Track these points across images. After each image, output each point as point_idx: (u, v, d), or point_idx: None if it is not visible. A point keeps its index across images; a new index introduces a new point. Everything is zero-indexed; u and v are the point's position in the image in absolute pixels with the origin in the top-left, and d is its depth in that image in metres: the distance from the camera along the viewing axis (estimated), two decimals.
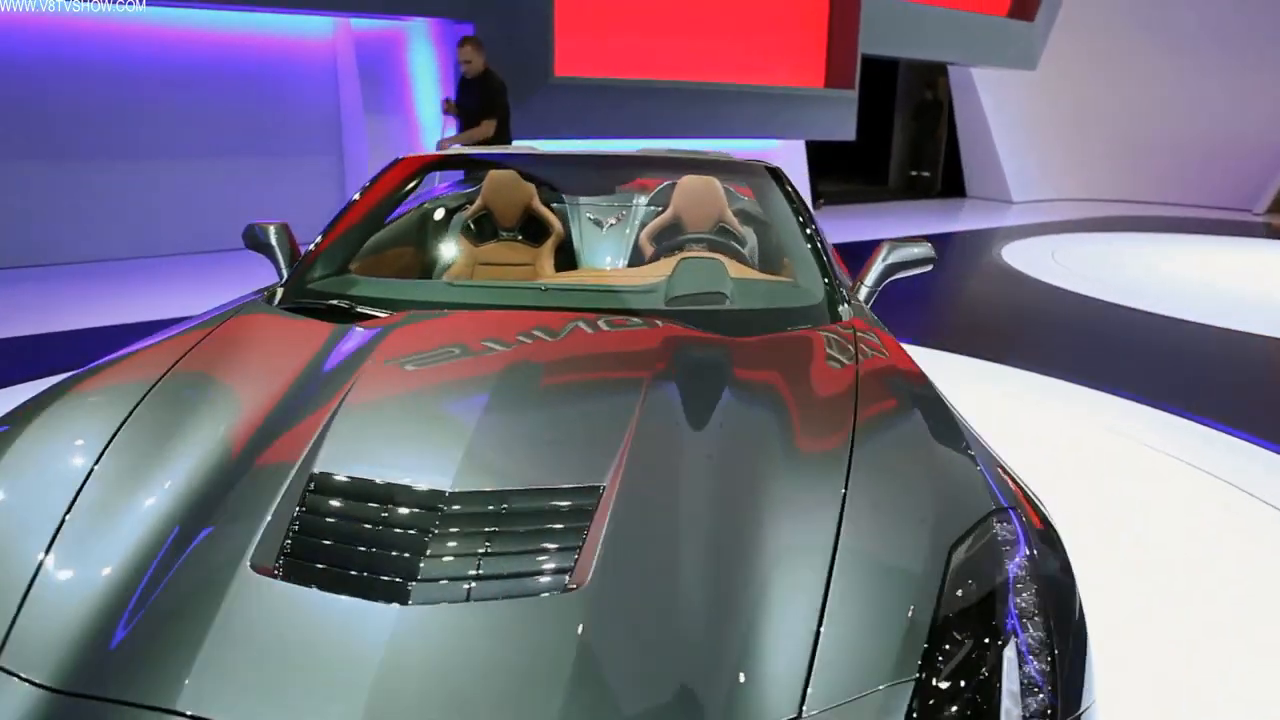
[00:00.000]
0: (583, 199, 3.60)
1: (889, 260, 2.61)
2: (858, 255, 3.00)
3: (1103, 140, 14.83)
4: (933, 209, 13.53)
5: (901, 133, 16.53)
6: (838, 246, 3.78)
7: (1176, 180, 14.46)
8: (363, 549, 1.21)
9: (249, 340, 1.87)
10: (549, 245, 3.14)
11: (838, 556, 1.21)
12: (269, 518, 1.26)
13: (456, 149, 4.85)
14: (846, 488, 1.33)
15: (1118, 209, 13.76)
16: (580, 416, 1.53)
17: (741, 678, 1.06)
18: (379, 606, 1.11)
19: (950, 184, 15.43)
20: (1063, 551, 1.33)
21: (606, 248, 3.54)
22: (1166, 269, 8.68)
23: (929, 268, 2.68)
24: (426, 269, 3.15)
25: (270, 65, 8.08)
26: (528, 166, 3.14)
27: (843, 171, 16.60)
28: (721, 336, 1.88)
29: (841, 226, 10.24)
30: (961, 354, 5.20)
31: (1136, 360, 5.34)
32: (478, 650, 1.07)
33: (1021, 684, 1.10)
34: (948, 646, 1.11)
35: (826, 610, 1.14)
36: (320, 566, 1.19)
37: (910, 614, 1.13)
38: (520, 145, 3.73)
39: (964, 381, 4.69)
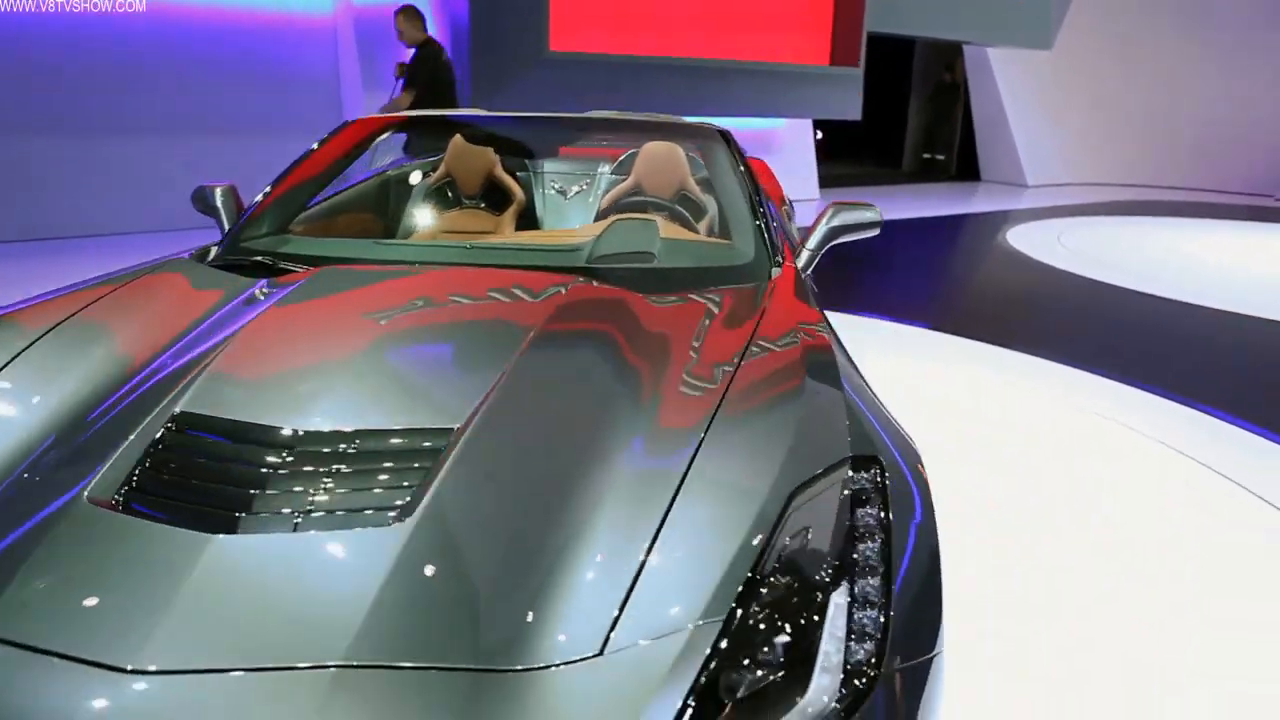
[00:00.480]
0: (547, 166, 3.57)
1: (833, 224, 2.57)
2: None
3: (1120, 124, 14.55)
4: (944, 192, 13.35)
5: (917, 115, 16.29)
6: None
7: (1195, 165, 14.17)
8: (205, 484, 1.21)
9: (157, 292, 1.87)
10: (510, 213, 3.12)
11: (679, 496, 1.20)
12: (119, 452, 1.27)
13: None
14: (706, 433, 1.31)
15: (1134, 193, 13.52)
16: (453, 365, 1.52)
17: (530, 616, 1.04)
18: (201, 536, 1.11)
19: (965, 167, 15.22)
20: (928, 504, 1.30)
21: (569, 215, 3.52)
22: (1176, 252, 8.53)
23: (875, 232, 2.63)
24: (387, 237, 3.14)
25: (271, 41, 8.08)
26: (474, 128, 3.13)
27: (856, 154, 16.43)
28: (630, 294, 1.86)
29: None
30: (937, 330, 5.13)
31: (1123, 339, 5.25)
32: (289, 579, 1.07)
33: (850, 630, 1.08)
34: (773, 582, 1.09)
35: (654, 548, 1.12)
36: (159, 499, 1.19)
37: (736, 552, 1.11)
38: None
39: (943, 358, 4.64)
